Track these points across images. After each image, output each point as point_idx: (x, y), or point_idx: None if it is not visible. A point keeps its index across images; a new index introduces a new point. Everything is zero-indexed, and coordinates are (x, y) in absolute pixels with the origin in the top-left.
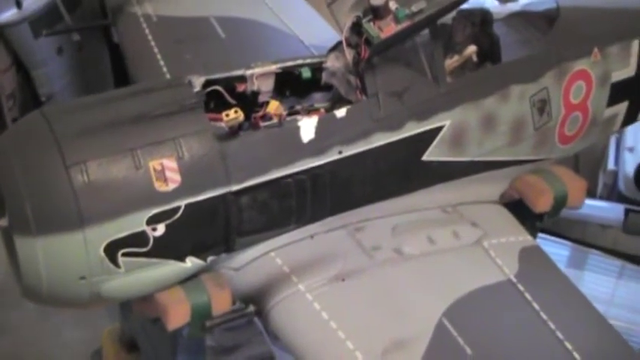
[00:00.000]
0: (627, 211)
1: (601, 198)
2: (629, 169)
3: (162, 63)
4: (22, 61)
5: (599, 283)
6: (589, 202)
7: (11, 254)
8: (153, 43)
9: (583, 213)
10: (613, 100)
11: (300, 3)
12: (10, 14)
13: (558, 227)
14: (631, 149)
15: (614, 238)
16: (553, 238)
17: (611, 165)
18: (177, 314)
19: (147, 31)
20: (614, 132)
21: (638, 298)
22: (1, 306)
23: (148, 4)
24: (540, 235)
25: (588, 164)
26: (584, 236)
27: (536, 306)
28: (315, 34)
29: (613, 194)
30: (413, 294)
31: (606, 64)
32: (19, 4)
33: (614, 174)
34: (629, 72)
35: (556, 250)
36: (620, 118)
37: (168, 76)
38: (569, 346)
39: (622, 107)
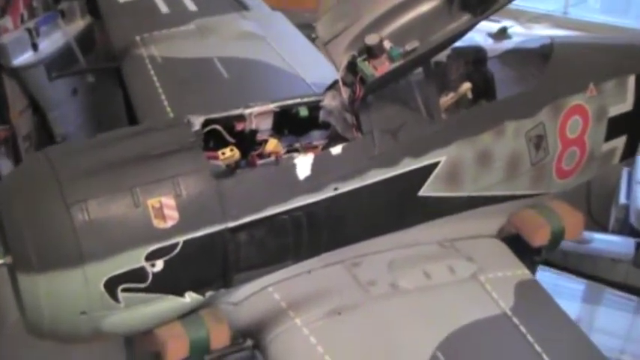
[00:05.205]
0: (638, 245)
1: (613, 232)
2: None
3: (165, 103)
4: (38, 103)
5: (615, 318)
6: (600, 236)
7: (16, 290)
8: (157, 84)
9: (594, 247)
10: (611, 135)
11: (302, 42)
12: (27, 57)
13: (568, 262)
14: None
15: (625, 273)
16: (568, 274)
17: (622, 199)
18: (176, 349)
19: (152, 72)
20: (612, 166)
21: None
22: None
23: (153, 46)
24: (553, 270)
25: (600, 198)
26: (595, 271)
27: (530, 339)
28: (317, 73)
29: (625, 228)
30: (408, 328)
31: (602, 99)
32: (35, 47)
33: (626, 208)
34: (626, 107)
35: (572, 284)
36: (619, 152)
37: (171, 115)
38: None
39: (620, 141)
